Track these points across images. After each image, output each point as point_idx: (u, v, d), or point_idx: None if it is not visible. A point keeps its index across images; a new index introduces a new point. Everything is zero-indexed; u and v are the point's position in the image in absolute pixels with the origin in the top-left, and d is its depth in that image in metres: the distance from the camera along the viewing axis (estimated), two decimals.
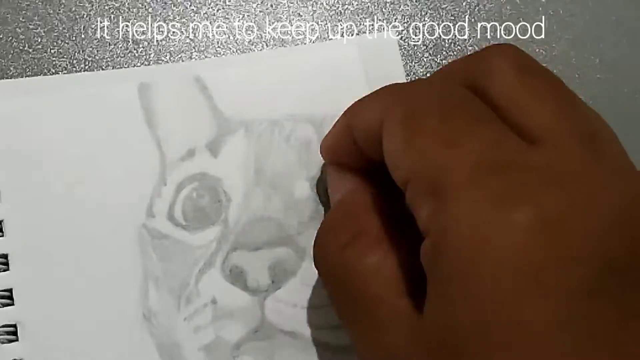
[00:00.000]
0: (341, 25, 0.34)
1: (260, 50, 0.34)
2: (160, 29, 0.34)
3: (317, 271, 0.28)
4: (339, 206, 0.27)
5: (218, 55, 0.34)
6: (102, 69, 0.33)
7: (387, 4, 0.35)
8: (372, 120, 0.24)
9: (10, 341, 0.29)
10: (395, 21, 0.35)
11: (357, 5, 0.35)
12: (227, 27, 0.34)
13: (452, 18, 0.35)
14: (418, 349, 0.21)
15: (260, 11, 0.34)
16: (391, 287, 0.23)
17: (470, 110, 0.22)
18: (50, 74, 0.33)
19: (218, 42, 0.34)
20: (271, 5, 0.34)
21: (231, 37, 0.34)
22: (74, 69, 0.33)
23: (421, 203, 0.21)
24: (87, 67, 0.33)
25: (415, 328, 0.22)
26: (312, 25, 0.34)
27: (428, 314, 0.21)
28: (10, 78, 0.32)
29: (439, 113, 0.22)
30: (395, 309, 0.23)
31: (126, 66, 0.33)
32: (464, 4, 0.35)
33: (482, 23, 0.35)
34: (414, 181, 0.22)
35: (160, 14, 0.34)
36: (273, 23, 0.34)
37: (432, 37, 0.34)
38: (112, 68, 0.33)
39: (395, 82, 0.27)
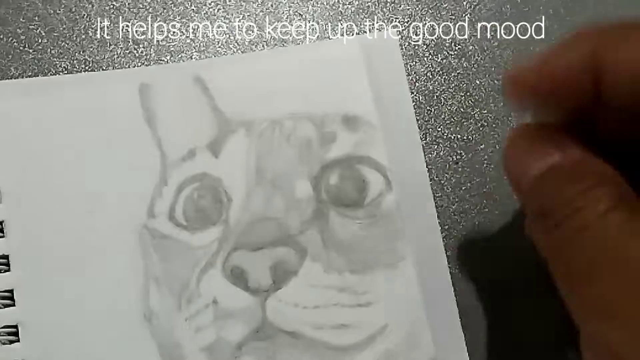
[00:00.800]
0: (342, 24, 0.34)
1: (261, 50, 0.34)
2: (160, 29, 0.34)
3: (544, 254, 0.23)
4: (573, 163, 0.22)
5: (218, 55, 0.34)
6: (103, 70, 0.33)
7: (388, 4, 0.35)
8: None
9: (11, 342, 0.29)
10: (395, 21, 0.35)
11: (357, 4, 0.35)
12: (227, 27, 0.34)
13: (453, 18, 0.35)
14: None
15: (260, 11, 0.34)
16: None
17: None
18: (51, 75, 0.33)
19: (218, 42, 0.34)
20: (271, 5, 0.34)
21: (231, 37, 0.34)
22: (75, 69, 0.33)
23: None
24: (87, 67, 0.33)
25: None
26: (313, 25, 0.34)
27: None
28: (11, 78, 0.32)
29: None
30: None
31: (126, 66, 0.33)
32: (464, 3, 0.35)
33: (482, 23, 0.35)
34: None
35: (160, 14, 0.34)
36: (273, 23, 0.34)
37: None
38: (113, 68, 0.33)
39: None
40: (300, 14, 0.34)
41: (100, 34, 0.33)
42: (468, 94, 0.34)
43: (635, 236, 0.20)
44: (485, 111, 0.34)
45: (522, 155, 0.23)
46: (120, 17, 0.34)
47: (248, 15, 0.34)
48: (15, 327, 0.29)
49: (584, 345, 0.22)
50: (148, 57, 0.33)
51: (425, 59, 0.34)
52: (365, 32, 0.34)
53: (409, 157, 0.32)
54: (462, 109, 0.34)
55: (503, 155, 0.25)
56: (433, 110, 0.33)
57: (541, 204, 0.22)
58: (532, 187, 0.22)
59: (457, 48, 0.34)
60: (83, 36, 0.33)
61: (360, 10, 0.35)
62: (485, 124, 0.33)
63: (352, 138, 0.31)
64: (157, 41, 0.34)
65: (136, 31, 0.34)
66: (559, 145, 0.22)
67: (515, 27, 0.35)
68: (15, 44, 0.33)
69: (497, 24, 0.35)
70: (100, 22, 0.34)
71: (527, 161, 0.22)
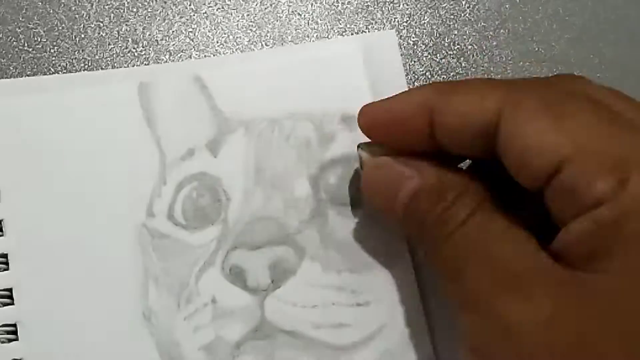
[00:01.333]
0: (340, 24, 0.34)
1: (260, 49, 0.34)
2: (160, 29, 0.34)
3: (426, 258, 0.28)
4: (432, 185, 0.26)
5: (217, 54, 0.34)
6: (102, 69, 0.33)
7: (387, 3, 0.35)
8: (481, 110, 0.25)
9: (10, 340, 0.29)
10: (394, 20, 0.35)
11: (356, 4, 0.35)
12: (226, 27, 0.34)
13: (452, 17, 0.35)
14: (585, 305, 0.22)
15: (259, 10, 0.34)
16: (529, 244, 0.24)
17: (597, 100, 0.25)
18: (50, 74, 0.33)
19: (217, 42, 0.34)
20: (271, 5, 0.34)
21: (231, 37, 0.34)
22: (74, 68, 0.33)
23: (595, 176, 0.23)
24: (86, 66, 0.33)
25: (577, 285, 0.23)
26: (312, 24, 0.34)
27: (611, 270, 0.22)
28: (10, 77, 0.32)
29: (579, 101, 0.24)
30: (539, 264, 0.24)
31: (126, 65, 0.33)
32: (463, 2, 0.35)
33: (482, 22, 0.35)
34: (580, 159, 0.23)
35: (160, 13, 0.34)
36: (272, 22, 0.34)
37: (432, 36, 0.35)
38: (112, 67, 0.33)
39: (476, 78, 0.28)
40: (299, 14, 0.34)
41: (100, 33, 0.33)
42: None
43: (494, 235, 0.24)
44: None
45: (386, 185, 0.27)
46: (120, 16, 0.34)
47: (247, 15, 0.34)
48: (14, 326, 0.29)
49: (457, 343, 0.25)
50: (147, 56, 0.33)
51: (424, 58, 0.34)
52: (364, 31, 0.34)
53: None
54: None
55: (365, 186, 0.28)
56: None
57: (415, 225, 0.26)
58: (404, 212, 0.26)
59: (456, 48, 0.34)
60: (82, 35, 0.33)
61: (359, 10, 0.35)
62: None
63: (351, 137, 0.32)
64: (156, 40, 0.34)
65: (135, 30, 0.34)
66: (418, 169, 0.26)
67: (515, 27, 0.35)
68: (14, 43, 0.33)
69: (497, 24, 0.35)
70: (100, 22, 0.34)
71: (392, 190, 0.27)
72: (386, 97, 0.28)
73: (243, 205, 0.31)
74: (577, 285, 0.23)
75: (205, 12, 0.34)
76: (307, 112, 0.32)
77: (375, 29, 0.34)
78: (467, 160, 0.29)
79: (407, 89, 0.31)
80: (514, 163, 0.24)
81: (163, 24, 0.34)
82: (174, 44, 0.34)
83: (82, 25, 0.33)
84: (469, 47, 0.35)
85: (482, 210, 0.25)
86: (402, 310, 0.30)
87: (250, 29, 0.34)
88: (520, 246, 0.24)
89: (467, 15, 0.35)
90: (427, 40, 0.34)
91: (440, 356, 0.30)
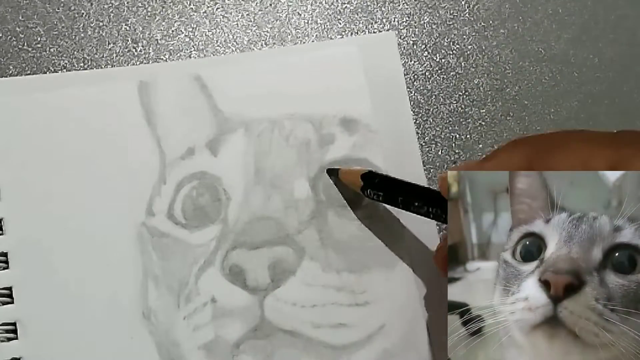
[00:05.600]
0: (340, 24, 0.34)
1: (260, 49, 0.34)
2: (160, 28, 0.34)
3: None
4: None
5: (217, 54, 0.34)
6: (102, 68, 0.33)
7: (387, 3, 0.35)
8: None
9: (9, 339, 0.29)
10: (394, 20, 0.35)
11: (356, 4, 0.35)
12: (226, 26, 0.34)
13: (451, 17, 0.35)
14: None
15: (259, 10, 0.34)
16: None
17: None
18: (50, 73, 0.33)
19: (217, 41, 0.34)
20: (270, 4, 0.34)
21: (230, 36, 0.34)
22: (74, 67, 0.33)
23: None
24: (86, 65, 0.33)
25: None
26: (312, 24, 0.34)
27: None
28: (10, 76, 0.32)
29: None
30: None
31: (125, 65, 0.33)
32: (463, 2, 0.35)
33: (482, 22, 0.35)
34: None
35: (159, 12, 0.34)
36: (272, 22, 0.34)
37: (432, 36, 0.35)
38: (112, 66, 0.33)
39: (569, 131, 0.28)
40: (298, 14, 0.34)
41: (99, 32, 0.33)
42: (466, 93, 0.34)
43: None
44: (484, 111, 0.34)
45: None
46: (120, 15, 0.34)
47: (247, 14, 0.34)
48: (14, 324, 0.29)
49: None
50: (147, 55, 0.33)
51: (424, 58, 0.34)
52: (364, 31, 0.34)
53: (406, 159, 0.32)
54: (460, 109, 0.34)
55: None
56: (431, 109, 0.33)
57: None
58: None
59: (455, 48, 0.34)
60: (82, 34, 0.33)
61: (359, 10, 0.35)
62: (483, 123, 0.34)
63: (350, 140, 0.32)
64: (156, 40, 0.34)
65: (135, 30, 0.34)
66: None
67: (515, 26, 0.35)
68: (14, 42, 0.33)
69: (496, 23, 0.35)
70: (100, 21, 0.33)
71: None
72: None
73: (243, 204, 0.31)
74: None
75: (205, 12, 0.34)
76: (307, 113, 0.32)
77: (375, 29, 0.34)
78: None
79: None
80: None
81: (163, 23, 0.34)
82: (173, 44, 0.34)
83: (81, 25, 0.33)
84: (469, 47, 0.34)
85: None
86: (401, 311, 0.30)
87: (250, 29, 0.34)
88: None
89: (467, 15, 0.35)
90: (426, 40, 0.34)
91: (439, 356, 0.30)
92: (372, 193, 0.30)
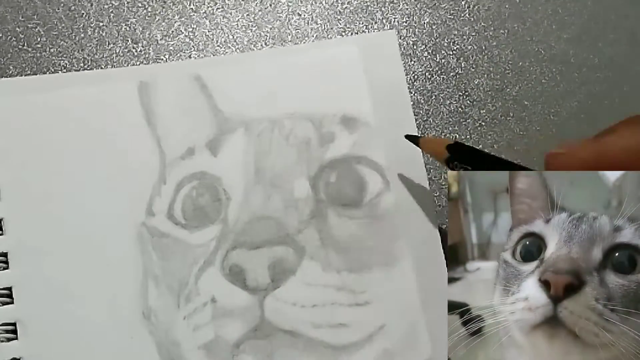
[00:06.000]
0: (340, 24, 0.34)
1: (260, 49, 0.34)
2: (160, 28, 0.34)
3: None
4: None
5: (217, 54, 0.34)
6: (102, 68, 0.33)
7: (387, 3, 0.35)
8: None
9: (9, 339, 0.29)
10: (394, 20, 0.35)
11: (356, 4, 0.35)
12: (226, 26, 0.34)
13: (452, 17, 0.35)
14: None
15: (259, 10, 0.34)
16: None
17: None
18: (50, 73, 0.33)
19: (217, 41, 0.34)
20: (270, 4, 0.34)
21: (230, 36, 0.34)
22: (74, 67, 0.33)
23: None
24: (86, 66, 0.33)
25: None
26: (312, 24, 0.34)
27: None
28: (10, 77, 0.32)
29: None
30: None
31: (125, 65, 0.33)
32: (463, 3, 0.35)
33: (482, 22, 0.35)
34: None
35: (159, 12, 0.34)
36: (272, 22, 0.34)
37: (432, 36, 0.35)
38: (112, 67, 0.33)
39: None
40: (298, 14, 0.34)
41: (99, 32, 0.33)
42: (466, 93, 0.34)
43: None
44: (484, 111, 0.34)
45: None
46: (120, 16, 0.34)
47: (247, 14, 0.34)
48: (14, 324, 0.29)
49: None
50: (147, 55, 0.33)
51: (424, 58, 0.34)
52: (364, 31, 0.34)
53: (407, 157, 0.32)
54: (460, 109, 0.34)
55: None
56: (431, 109, 0.34)
57: None
58: None
59: (455, 48, 0.34)
60: (82, 35, 0.33)
61: (359, 10, 0.35)
62: (484, 123, 0.34)
63: (351, 138, 0.32)
64: (156, 40, 0.34)
65: (135, 30, 0.34)
66: None
67: (515, 27, 0.35)
68: (14, 42, 0.33)
69: (496, 23, 0.35)
70: (100, 21, 0.34)
71: None
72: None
73: (243, 204, 0.31)
74: None
75: (205, 12, 0.34)
76: (307, 112, 0.32)
77: (375, 29, 0.34)
78: None
79: None
80: None
81: (163, 23, 0.34)
82: (173, 44, 0.34)
83: (81, 25, 0.33)
84: (469, 47, 0.35)
85: None
86: (401, 310, 0.30)
87: (250, 29, 0.34)
88: None
89: (467, 15, 0.35)
90: (426, 40, 0.34)
91: (439, 356, 0.30)
92: (459, 166, 0.29)
